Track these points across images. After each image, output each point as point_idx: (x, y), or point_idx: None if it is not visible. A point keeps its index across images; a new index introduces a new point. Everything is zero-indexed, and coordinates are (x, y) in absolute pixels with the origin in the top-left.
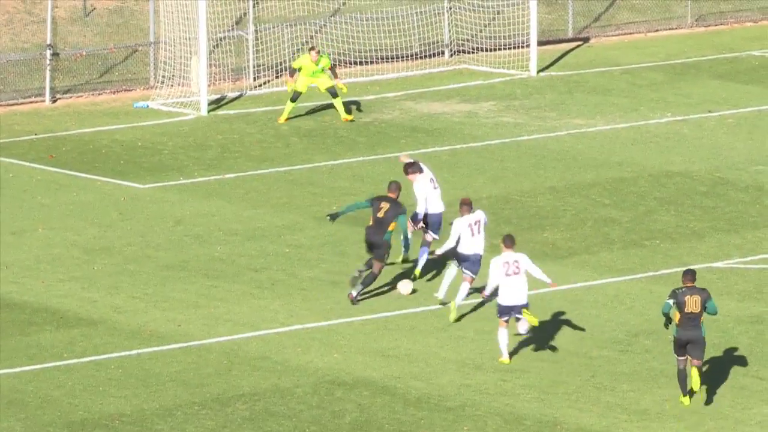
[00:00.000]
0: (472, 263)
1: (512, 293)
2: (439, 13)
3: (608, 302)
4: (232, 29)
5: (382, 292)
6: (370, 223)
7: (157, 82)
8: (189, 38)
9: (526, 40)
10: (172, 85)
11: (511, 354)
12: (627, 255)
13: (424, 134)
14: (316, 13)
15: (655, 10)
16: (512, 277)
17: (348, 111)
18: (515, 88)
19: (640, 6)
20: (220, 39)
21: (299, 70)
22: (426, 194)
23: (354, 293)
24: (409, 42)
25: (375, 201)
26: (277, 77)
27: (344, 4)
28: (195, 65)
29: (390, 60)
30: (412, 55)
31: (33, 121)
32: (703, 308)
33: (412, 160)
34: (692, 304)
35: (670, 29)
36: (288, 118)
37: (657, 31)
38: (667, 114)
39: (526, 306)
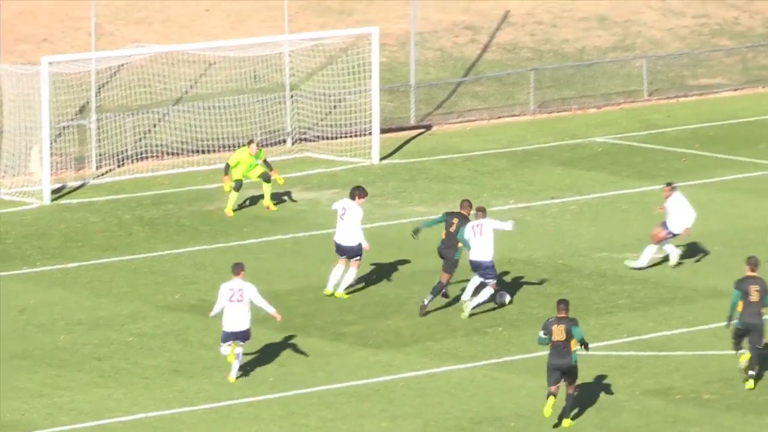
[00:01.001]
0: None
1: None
2: (280, 102)
3: (451, 390)
4: (75, 118)
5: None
6: (443, 237)
7: (1, 172)
8: (31, 127)
9: (368, 128)
10: (15, 175)
11: None
12: (470, 342)
13: (267, 222)
14: (159, 102)
15: (497, 97)
16: (235, 303)
17: (272, 200)
18: (357, 176)
19: (483, 93)
20: (63, 128)
21: (235, 165)
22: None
23: (426, 302)
24: (251, 130)
25: (448, 216)
26: (119, 166)
27: (186, 92)
28: (36, 154)
29: (232, 148)
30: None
31: None
32: (569, 336)
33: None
34: (558, 332)
35: (512, 116)
36: (234, 209)
37: (499, 118)
38: (509, 201)
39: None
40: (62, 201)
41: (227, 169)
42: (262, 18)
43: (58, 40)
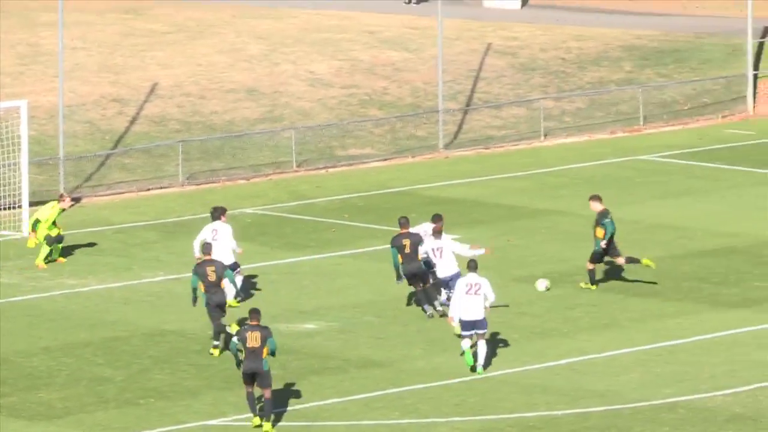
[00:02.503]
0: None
1: None
2: None
3: None
4: None
5: None
6: (402, 260)
7: None
8: None
9: (17, 201)
10: None
11: None
12: (122, 414)
13: None
14: None
15: (146, 169)
16: None
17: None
18: (8, 249)
19: (132, 165)
20: None
21: (46, 221)
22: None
23: (430, 312)
24: None
25: (396, 240)
26: None
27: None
28: None
29: None
30: None
31: None
32: (264, 343)
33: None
34: (253, 339)
35: (161, 188)
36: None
37: (149, 190)
38: (160, 273)
39: None
40: None
41: (34, 226)
42: None
43: None
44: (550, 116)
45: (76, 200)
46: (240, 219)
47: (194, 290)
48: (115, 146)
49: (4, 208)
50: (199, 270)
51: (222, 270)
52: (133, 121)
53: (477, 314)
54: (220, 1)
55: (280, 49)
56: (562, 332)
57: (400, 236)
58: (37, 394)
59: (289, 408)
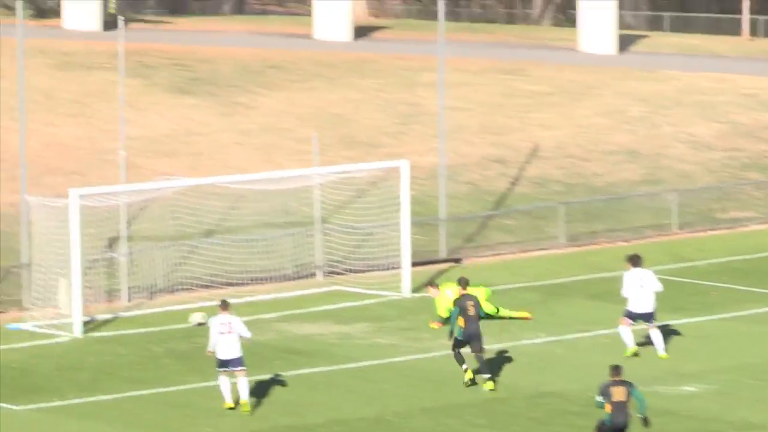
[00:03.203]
0: None
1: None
2: (310, 235)
3: None
4: (105, 251)
5: None
6: (464, 324)
7: (31, 304)
8: (61, 260)
9: (398, 261)
10: (45, 307)
11: None
12: None
13: (298, 355)
14: (189, 234)
15: (527, 231)
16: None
17: None
18: (388, 310)
19: (513, 227)
20: (93, 261)
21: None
22: None
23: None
24: (281, 263)
25: (460, 302)
26: (150, 299)
27: (216, 225)
28: (65, 287)
29: (263, 281)
30: (285, 277)
31: None
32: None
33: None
34: (618, 393)
35: (542, 249)
36: None
37: (529, 251)
38: (540, 334)
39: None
40: (93, 333)
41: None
42: (291, 151)
43: (88, 172)
44: None
45: (457, 261)
46: (619, 281)
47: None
48: (497, 207)
49: (385, 269)
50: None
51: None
52: (514, 183)
53: None
54: (599, 65)
55: (660, 111)
56: None
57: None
58: None
59: None
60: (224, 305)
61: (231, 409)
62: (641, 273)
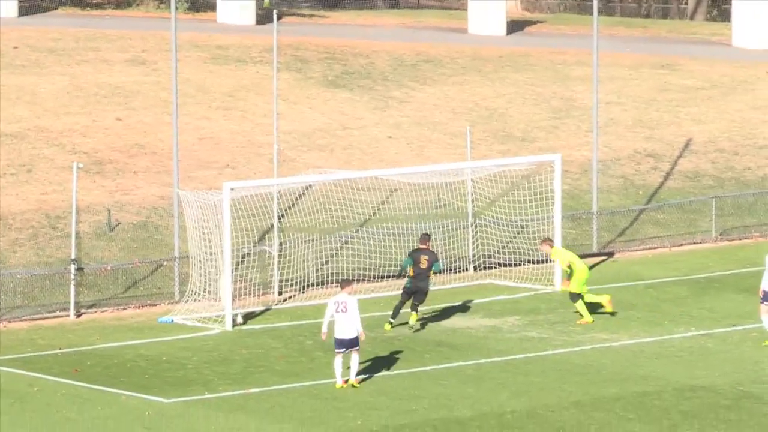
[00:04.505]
0: None
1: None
2: (463, 228)
3: None
4: (257, 244)
5: None
6: (412, 274)
7: (182, 297)
8: (214, 253)
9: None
10: (196, 300)
11: None
12: None
13: (449, 348)
14: (341, 227)
15: (679, 225)
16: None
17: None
18: (540, 303)
19: (665, 221)
20: (246, 254)
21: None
22: None
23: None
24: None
25: (415, 254)
26: (301, 292)
27: (369, 218)
28: (221, 281)
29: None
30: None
31: (58, 336)
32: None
33: None
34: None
35: (694, 243)
36: None
37: (681, 245)
38: (691, 328)
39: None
40: (244, 327)
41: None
42: (444, 145)
43: (240, 165)
44: None
45: (609, 255)
46: None
47: None
48: (649, 201)
49: (538, 262)
50: None
51: None
52: (666, 177)
53: None
54: (752, 60)
55: None
56: None
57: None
58: None
59: None
60: (344, 284)
61: (341, 388)
62: None
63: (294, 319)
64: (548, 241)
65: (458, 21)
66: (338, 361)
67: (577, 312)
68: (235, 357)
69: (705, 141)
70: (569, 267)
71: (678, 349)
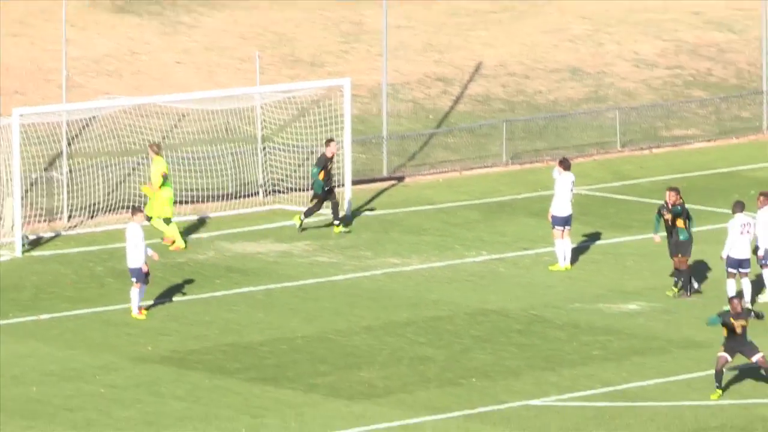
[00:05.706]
0: None
1: None
2: (253, 154)
3: None
4: (46, 170)
5: None
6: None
7: None
8: (2, 179)
9: (340, 180)
10: None
11: None
12: (443, 393)
13: (239, 274)
14: (130, 153)
15: (470, 149)
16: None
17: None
18: (329, 228)
19: (455, 145)
20: (34, 180)
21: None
22: None
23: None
24: (223, 182)
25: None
26: (91, 218)
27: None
28: (9, 206)
29: (205, 200)
30: (226, 195)
31: None
32: None
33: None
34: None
35: (485, 167)
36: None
37: (472, 169)
38: (482, 252)
39: None
40: (34, 253)
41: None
42: (233, 70)
43: (30, 92)
44: None
45: (399, 179)
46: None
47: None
48: (439, 125)
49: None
50: None
51: None
52: (457, 101)
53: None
54: None
55: (605, 29)
56: None
57: None
58: (357, 373)
59: (610, 387)
60: (134, 211)
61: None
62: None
63: (84, 245)
64: (153, 145)
65: None
66: (135, 291)
67: (167, 238)
68: (26, 283)
69: (495, 65)
70: (164, 178)
71: (469, 273)
